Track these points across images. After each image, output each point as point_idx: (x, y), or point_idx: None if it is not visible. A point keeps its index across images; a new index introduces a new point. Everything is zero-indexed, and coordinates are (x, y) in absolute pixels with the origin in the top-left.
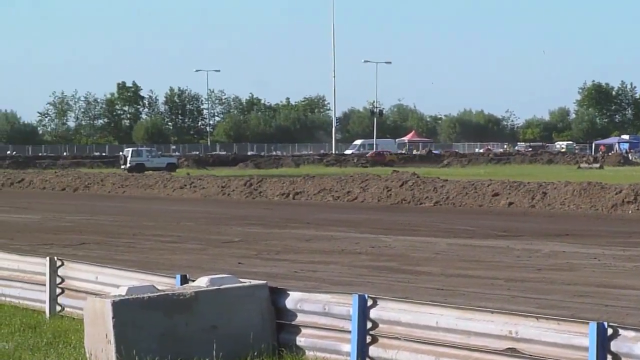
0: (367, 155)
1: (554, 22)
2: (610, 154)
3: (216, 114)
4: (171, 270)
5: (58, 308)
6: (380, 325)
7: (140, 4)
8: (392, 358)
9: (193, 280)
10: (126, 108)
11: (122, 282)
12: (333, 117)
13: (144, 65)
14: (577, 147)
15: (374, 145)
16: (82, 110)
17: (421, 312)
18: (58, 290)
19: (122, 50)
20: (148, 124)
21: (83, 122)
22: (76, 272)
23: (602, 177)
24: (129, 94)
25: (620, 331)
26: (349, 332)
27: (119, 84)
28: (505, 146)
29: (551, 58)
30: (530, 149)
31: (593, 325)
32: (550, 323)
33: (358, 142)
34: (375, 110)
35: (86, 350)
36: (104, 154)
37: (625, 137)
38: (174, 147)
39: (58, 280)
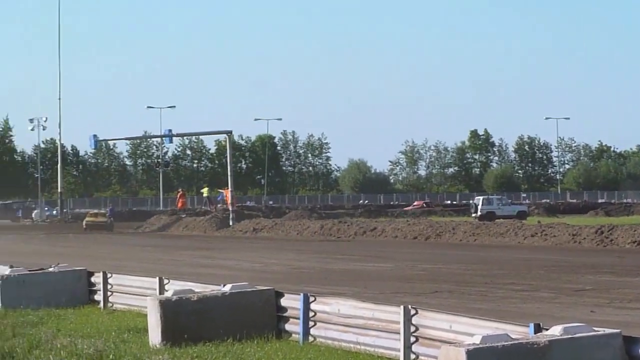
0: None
1: None
2: None
3: (566, 162)
4: (523, 319)
5: (412, 356)
6: None
7: (496, 54)
8: None
9: (546, 329)
10: (477, 156)
11: (476, 330)
12: None
13: (495, 113)
14: None
15: None
16: (433, 158)
17: None
18: (412, 339)
19: (474, 98)
20: (498, 172)
21: (434, 171)
22: (430, 321)
23: None
24: (479, 142)
25: None
26: None
27: (471, 132)
28: None
29: None
30: None
31: None
32: None
33: None
34: None
35: None
36: (454, 202)
37: None
38: (524, 195)
39: (412, 328)
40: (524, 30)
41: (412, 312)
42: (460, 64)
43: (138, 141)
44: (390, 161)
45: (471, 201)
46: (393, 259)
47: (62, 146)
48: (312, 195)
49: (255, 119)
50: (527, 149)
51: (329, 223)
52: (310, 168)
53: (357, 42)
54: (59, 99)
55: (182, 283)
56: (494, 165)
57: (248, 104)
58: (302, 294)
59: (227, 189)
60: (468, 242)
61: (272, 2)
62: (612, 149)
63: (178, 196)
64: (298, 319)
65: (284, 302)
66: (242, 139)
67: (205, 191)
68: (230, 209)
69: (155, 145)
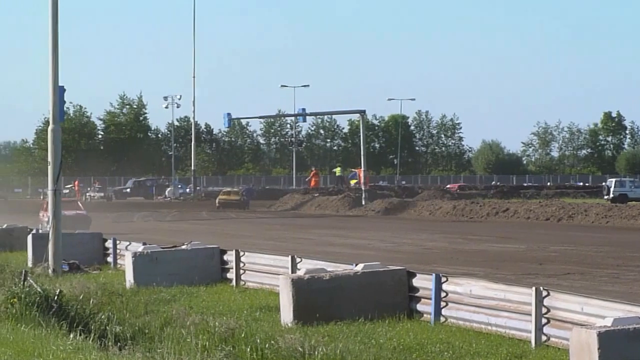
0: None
1: None
2: None
3: None
4: None
5: (543, 338)
6: None
7: (630, 36)
8: None
9: None
10: (609, 138)
11: (608, 313)
12: None
13: (629, 95)
14: None
15: None
16: (566, 140)
17: None
18: (543, 321)
19: (608, 80)
20: (630, 155)
21: (566, 152)
22: (562, 303)
23: None
24: (613, 125)
25: None
26: None
27: (604, 114)
28: None
29: None
30: None
31: None
32: None
33: None
34: None
35: None
36: (587, 184)
37: None
38: None
39: (544, 310)
40: None
41: (544, 293)
42: (594, 46)
43: (272, 120)
44: (522, 142)
45: (604, 183)
46: (525, 240)
47: (196, 124)
48: (445, 175)
49: (389, 99)
50: None
51: (462, 204)
52: (443, 148)
53: (491, 24)
54: (194, 77)
55: (314, 262)
56: (626, 147)
57: (381, 83)
58: (434, 274)
59: (360, 168)
60: (600, 224)
61: None
62: None
63: (311, 175)
64: (430, 299)
65: (415, 282)
66: (376, 119)
67: (337, 170)
68: (363, 188)
69: (289, 124)
